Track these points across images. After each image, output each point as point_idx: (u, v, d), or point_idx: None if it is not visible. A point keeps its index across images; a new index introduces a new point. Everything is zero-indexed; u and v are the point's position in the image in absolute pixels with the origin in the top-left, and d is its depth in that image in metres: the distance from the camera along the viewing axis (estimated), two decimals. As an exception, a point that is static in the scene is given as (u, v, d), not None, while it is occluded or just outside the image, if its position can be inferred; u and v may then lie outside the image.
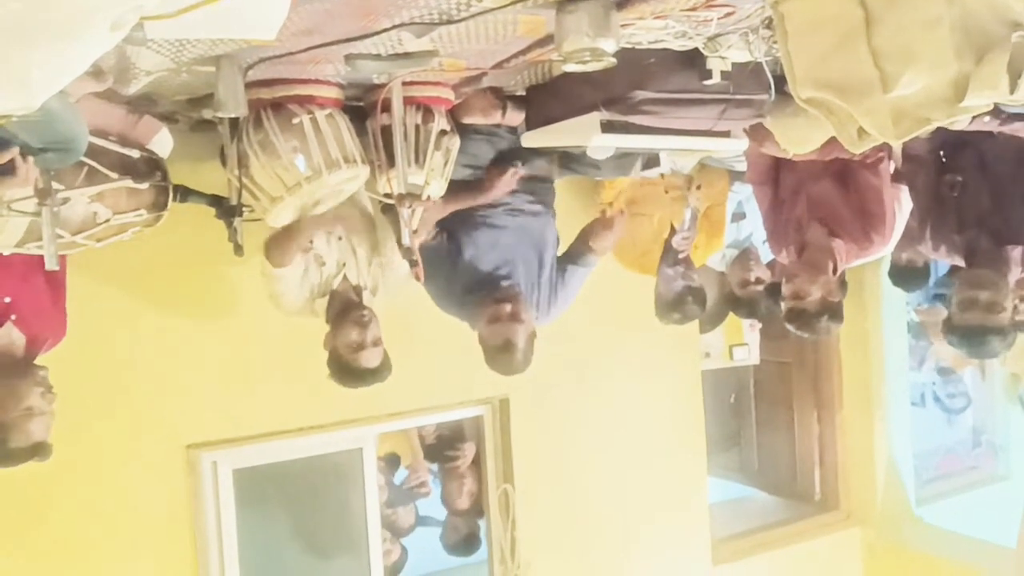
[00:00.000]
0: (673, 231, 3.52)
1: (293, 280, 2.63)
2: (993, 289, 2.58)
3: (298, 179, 2.32)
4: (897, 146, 2.76)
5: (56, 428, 2.26)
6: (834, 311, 2.85)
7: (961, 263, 2.78)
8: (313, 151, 2.30)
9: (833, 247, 2.88)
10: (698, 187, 3.52)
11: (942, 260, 2.93)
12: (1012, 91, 1.45)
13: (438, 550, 4.29)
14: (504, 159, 2.80)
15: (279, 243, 2.54)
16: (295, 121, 2.29)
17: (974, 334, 2.63)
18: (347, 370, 2.61)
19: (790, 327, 2.92)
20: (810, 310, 2.82)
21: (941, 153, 2.89)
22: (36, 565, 2.79)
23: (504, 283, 2.79)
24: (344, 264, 2.71)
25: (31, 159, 1.81)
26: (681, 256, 3.48)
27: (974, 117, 1.65)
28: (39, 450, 2.19)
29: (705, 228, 3.62)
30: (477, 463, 4.03)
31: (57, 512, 2.82)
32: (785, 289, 2.87)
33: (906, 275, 3.79)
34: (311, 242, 2.62)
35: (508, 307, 2.67)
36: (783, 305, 2.89)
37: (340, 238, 2.70)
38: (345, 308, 2.64)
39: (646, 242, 3.57)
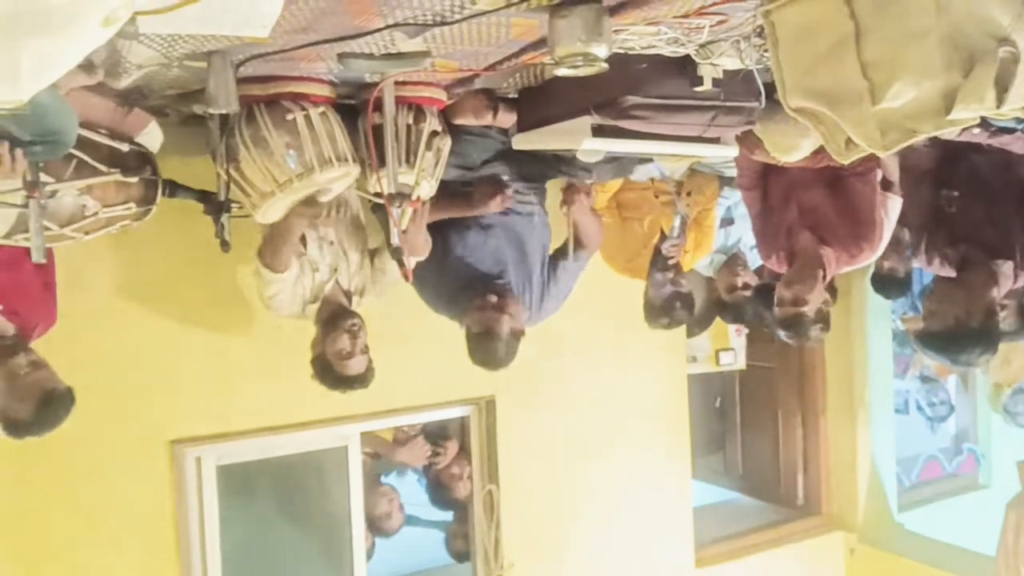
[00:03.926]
0: (663, 237, 3.53)
1: (289, 284, 2.63)
2: (963, 305, 2.58)
3: (289, 176, 2.31)
4: (893, 160, 2.78)
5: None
6: (826, 320, 2.87)
7: (953, 275, 2.79)
8: (306, 148, 2.30)
9: (823, 255, 2.90)
10: (688, 194, 3.53)
11: (935, 272, 2.93)
12: (998, 105, 1.46)
13: (422, 549, 4.28)
14: (494, 169, 2.80)
15: (271, 246, 2.53)
16: (289, 117, 2.28)
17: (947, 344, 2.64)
18: (332, 375, 2.63)
19: (783, 333, 2.92)
20: (808, 317, 2.83)
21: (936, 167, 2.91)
22: (19, 559, 2.78)
23: (498, 282, 2.80)
24: (336, 269, 2.71)
25: (19, 151, 1.80)
26: (671, 262, 3.50)
27: (963, 129, 1.66)
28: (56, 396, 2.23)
29: (694, 232, 3.64)
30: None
31: (40, 506, 2.80)
32: (784, 294, 2.87)
33: (887, 283, 3.82)
34: (304, 245, 2.61)
35: (494, 298, 2.69)
36: (778, 311, 2.89)
37: (332, 243, 2.70)
38: (335, 315, 2.65)
39: (636, 247, 3.58)
